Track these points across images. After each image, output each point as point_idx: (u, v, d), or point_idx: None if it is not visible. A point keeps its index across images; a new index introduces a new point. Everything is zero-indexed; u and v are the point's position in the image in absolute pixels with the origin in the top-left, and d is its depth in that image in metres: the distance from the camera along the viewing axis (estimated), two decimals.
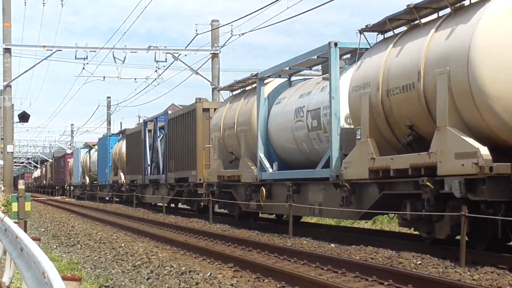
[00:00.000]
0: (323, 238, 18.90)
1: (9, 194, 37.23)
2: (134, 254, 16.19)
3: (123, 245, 18.51)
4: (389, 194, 16.28)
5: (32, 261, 7.67)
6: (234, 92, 27.29)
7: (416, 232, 20.81)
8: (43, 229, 25.95)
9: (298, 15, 31.66)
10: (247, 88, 26.01)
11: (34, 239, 9.88)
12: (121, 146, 49.87)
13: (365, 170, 16.53)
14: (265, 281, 12.52)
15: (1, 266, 12.84)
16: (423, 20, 15.55)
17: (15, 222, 12.89)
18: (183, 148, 32.88)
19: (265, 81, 23.53)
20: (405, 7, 15.57)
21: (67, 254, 17.60)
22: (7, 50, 45.13)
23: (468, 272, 12.12)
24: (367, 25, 17.14)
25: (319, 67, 22.33)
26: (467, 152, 13.36)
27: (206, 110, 31.03)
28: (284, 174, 21.77)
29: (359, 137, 17.00)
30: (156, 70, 47.45)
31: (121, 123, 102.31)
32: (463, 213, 13.10)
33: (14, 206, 20.21)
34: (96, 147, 62.40)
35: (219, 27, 43.64)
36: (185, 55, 46.00)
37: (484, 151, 13.07)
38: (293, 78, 23.50)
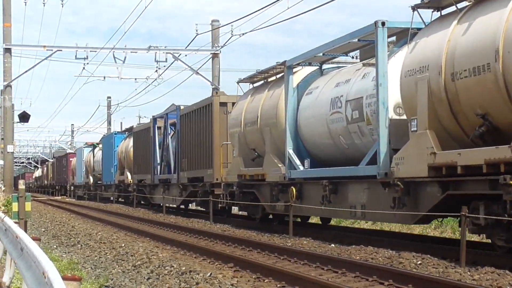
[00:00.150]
0: (323, 238, 18.90)
1: (9, 194, 37.21)
2: (135, 254, 16.20)
3: (123, 245, 18.52)
4: (455, 195, 14.04)
5: (32, 261, 7.67)
6: (256, 84, 25.40)
7: (416, 232, 20.76)
8: (43, 229, 25.96)
9: (298, 15, 31.51)
10: (270, 79, 24.13)
11: (34, 239, 9.88)
12: (128, 144, 47.96)
13: (423, 167, 14.36)
14: (265, 281, 12.52)
15: (1, 266, 12.84)
16: None
17: (15, 222, 12.89)
18: (197, 146, 30.95)
19: (293, 70, 21.46)
20: None
21: (67, 254, 17.60)
22: (7, 50, 45.09)
23: (468, 272, 12.11)
24: (422, 0, 15.05)
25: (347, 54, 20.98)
26: None
27: (223, 104, 29.06)
28: (320, 172, 19.69)
29: (414, 128, 14.82)
30: (156, 70, 47.39)
31: (121, 123, 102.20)
32: (463, 213, 13.09)
33: (15, 206, 20.20)
34: (100, 145, 60.50)
35: (219, 27, 43.60)
36: (186, 55, 45.93)
37: None
38: (324, 66, 21.58)
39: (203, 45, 45.36)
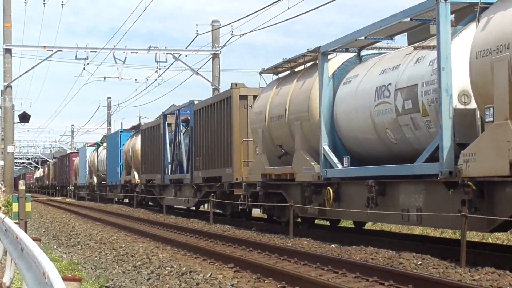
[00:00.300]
0: (323, 239, 18.88)
1: (9, 195, 37.23)
2: (135, 254, 16.19)
3: (123, 245, 18.51)
4: None
5: (33, 261, 7.67)
6: (281, 75, 23.17)
7: (416, 233, 20.73)
8: (43, 230, 25.95)
9: (299, 15, 31.61)
10: (297, 69, 21.96)
11: (34, 239, 9.88)
12: (135, 143, 45.27)
13: (502, 164, 12.22)
14: (265, 281, 12.52)
15: (1, 267, 12.84)
16: None
17: (15, 223, 12.89)
18: (214, 143, 28.55)
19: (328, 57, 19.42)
20: None
21: (68, 254, 17.60)
22: (8, 51, 45.14)
23: (468, 273, 12.11)
24: None
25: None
26: None
27: (243, 97, 26.66)
28: (364, 170, 17.24)
29: (490, 119, 12.67)
30: (156, 71, 47.49)
31: (121, 123, 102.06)
32: (463, 213, 13.09)
33: (15, 207, 20.20)
34: (104, 144, 58.13)
35: (219, 28, 43.64)
36: (186, 56, 46.06)
37: None
38: (363, 53, 19.47)
39: (203, 46, 45.48)
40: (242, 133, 26.32)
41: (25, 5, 48.09)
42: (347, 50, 19.29)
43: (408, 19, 16.11)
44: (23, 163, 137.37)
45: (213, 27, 43.53)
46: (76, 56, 45.62)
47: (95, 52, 45.94)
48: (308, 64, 21.07)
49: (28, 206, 20.13)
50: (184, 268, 13.23)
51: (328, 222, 23.81)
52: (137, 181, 43.79)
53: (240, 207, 25.21)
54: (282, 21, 63.05)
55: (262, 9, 28.54)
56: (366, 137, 17.54)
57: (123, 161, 48.71)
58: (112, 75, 49.60)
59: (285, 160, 21.47)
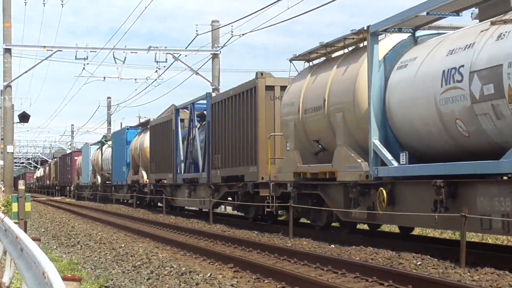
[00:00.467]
0: (323, 239, 18.89)
1: (9, 195, 37.22)
2: (134, 254, 16.19)
3: (123, 245, 18.52)
4: None
5: (32, 261, 7.67)
6: (316, 61, 20.85)
7: (416, 233, 20.69)
8: (43, 230, 25.95)
9: (298, 15, 31.60)
10: (335, 55, 19.77)
11: (34, 239, 9.88)
12: (143, 140, 42.66)
13: None
14: (265, 281, 12.52)
15: (1, 267, 12.84)
16: None
17: (15, 223, 12.89)
18: (235, 139, 25.94)
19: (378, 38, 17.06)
20: None
21: (67, 254, 17.60)
22: (7, 50, 45.12)
23: (468, 273, 12.12)
24: None
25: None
26: None
27: (270, 88, 24.09)
28: (431, 168, 14.62)
29: None
30: (156, 71, 47.44)
31: (121, 123, 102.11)
32: (463, 213, 13.09)
33: (14, 207, 20.21)
34: (109, 142, 55.76)
35: (219, 28, 43.64)
36: (186, 56, 46.01)
37: None
38: (418, 33, 16.91)
39: (203, 46, 45.51)
40: (269, 128, 23.84)
41: (25, 4, 48.11)
42: (400, 30, 16.75)
43: None
44: (22, 163, 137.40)
45: (213, 27, 43.52)
46: (76, 56, 45.60)
47: (95, 52, 45.93)
48: (350, 48, 19.05)
49: (28, 206, 20.14)
50: (183, 268, 13.23)
51: (366, 225, 21.70)
52: (146, 181, 41.47)
53: (267, 209, 22.80)
54: (282, 21, 63.13)
55: (262, 9, 28.54)
56: (428, 129, 14.99)
57: (130, 159, 46.39)
58: (111, 75, 49.57)
59: (323, 157, 19.25)
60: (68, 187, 78.48)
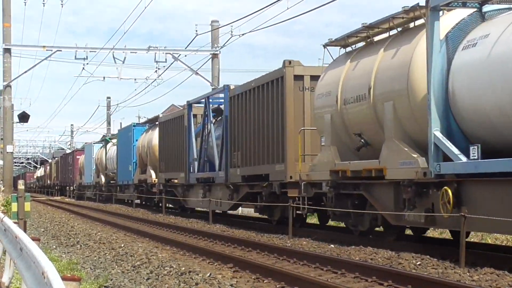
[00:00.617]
0: (322, 239, 18.89)
1: (8, 194, 37.23)
2: (134, 254, 16.19)
3: (122, 245, 18.51)
4: None
5: (32, 261, 7.66)
6: (357, 45, 18.75)
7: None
8: (42, 229, 25.94)
9: (298, 15, 31.58)
10: (378, 38, 17.72)
11: (33, 239, 9.88)
12: (152, 137, 40.43)
13: None
14: (264, 281, 12.52)
15: (0, 266, 12.83)
16: None
17: (14, 222, 12.89)
18: (258, 134, 23.87)
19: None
20: None
21: (67, 254, 17.59)
22: (7, 50, 45.14)
23: (467, 273, 12.13)
24: None
25: None
26: None
27: (299, 77, 21.85)
28: None
29: None
30: (156, 71, 47.46)
31: (121, 123, 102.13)
32: (462, 214, 13.09)
33: (14, 206, 20.21)
34: (113, 140, 53.81)
35: (219, 28, 43.65)
36: (185, 56, 46.03)
37: None
38: (486, 8, 14.58)
39: (202, 46, 45.44)
40: (298, 121, 21.62)
41: (25, 4, 48.12)
42: (464, 5, 14.58)
43: None
44: (22, 163, 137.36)
45: (212, 27, 43.53)
46: (75, 56, 45.62)
47: (95, 52, 45.94)
48: (399, 29, 16.88)
49: (27, 206, 20.14)
50: (183, 268, 13.23)
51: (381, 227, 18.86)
52: (154, 181, 39.31)
53: (297, 211, 20.78)
54: (281, 21, 63.09)
55: (261, 9, 28.54)
56: (507, 120, 12.83)
57: (137, 158, 44.06)
58: (111, 75, 49.58)
59: (365, 153, 17.24)
60: (68, 187, 78.16)
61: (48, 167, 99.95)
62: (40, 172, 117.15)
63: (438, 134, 14.15)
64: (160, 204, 37.97)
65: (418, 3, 15.59)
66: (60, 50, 46.33)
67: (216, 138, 28.80)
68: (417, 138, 15.31)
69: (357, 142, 17.46)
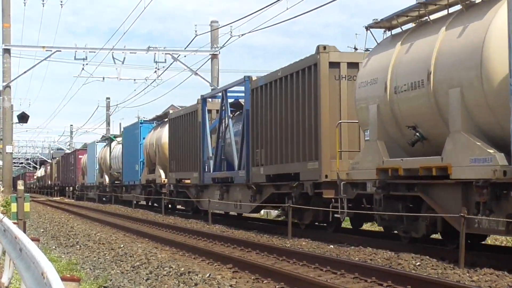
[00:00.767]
0: (322, 239, 18.88)
1: (8, 195, 37.23)
2: (133, 254, 16.19)
3: (122, 245, 18.51)
4: None
5: (31, 261, 7.66)
6: (396, 30, 16.75)
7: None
8: (42, 230, 25.94)
9: (297, 16, 31.60)
10: (433, 17, 15.40)
11: (33, 239, 9.88)
12: (161, 135, 38.16)
13: None
14: (264, 282, 12.52)
15: (0, 267, 12.83)
16: None
17: (14, 223, 12.89)
18: (286, 129, 21.58)
19: None
20: None
21: (66, 254, 17.59)
22: (7, 51, 45.17)
23: (467, 273, 12.13)
24: None
25: None
26: None
27: (334, 65, 19.59)
28: None
29: None
30: (155, 71, 47.49)
31: (120, 123, 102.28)
32: (462, 214, 13.09)
33: (13, 207, 20.21)
34: (118, 139, 51.70)
35: (218, 28, 43.68)
36: (185, 56, 46.09)
37: None
38: None
39: (202, 46, 45.45)
40: (333, 114, 19.47)
41: (24, 5, 48.11)
42: None
43: None
44: (21, 163, 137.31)
45: (212, 27, 43.56)
46: (75, 56, 45.67)
47: (94, 52, 45.97)
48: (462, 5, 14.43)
49: (27, 206, 20.13)
50: (182, 269, 13.23)
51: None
52: (163, 181, 37.13)
53: (336, 215, 18.70)
54: (281, 22, 63.11)
55: (261, 9, 28.54)
56: None
57: (144, 157, 41.62)
58: (111, 75, 49.60)
59: (420, 148, 15.15)
60: (67, 188, 77.89)
61: (49, 167, 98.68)
62: (40, 172, 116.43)
63: None
64: (170, 206, 36.07)
65: None
66: (60, 51, 46.36)
67: (234, 134, 26.54)
68: (490, 130, 13.24)
69: (411, 136, 15.18)
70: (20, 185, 20.73)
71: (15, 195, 21.06)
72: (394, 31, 16.85)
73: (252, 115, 24.39)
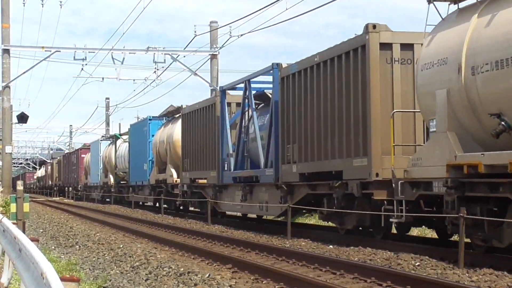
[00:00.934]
0: (321, 240, 18.87)
1: (7, 195, 37.22)
2: (133, 255, 16.19)
3: (121, 246, 18.50)
4: None
5: (31, 262, 7.66)
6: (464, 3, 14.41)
7: (414, 234, 20.60)
8: (41, 230, 25.93)
9: (297, 16, 31.54)
10: None
11: (32, 240, 9.88)
12: (172, 132, 35.72)
13: None
14: (263, 282, 12.51)
15: None
16: None
17: (13, 223, 12.89)
18: (325, 121, 19.05)
19: None
20: None
21: (66, 255, 17.59)
22: (6, 51, 45.18)
23: (466, 274, 12.13)
24: None
25: None
26: None
27: (386, 46, 17.09)
28: None
29: None
30: (155, 71, 47.48)
31: (119, 124, 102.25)
32: (461, 214, 13.08)
33: (13, 207, 20.20)
34: (124, 137, 49.79)
35: (218, 28, 43.69)
36: (184, 56, 46.09)
37: None
38: None
39: (201, 46, 45.44)
40: (385, 103, 17.03)
41: (24, 5, 48.12)
42: None
43: None
44: (21, 163, 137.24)
45: (211, 27, 43.56)
46: (74, 57, 45.67)
47: (93, 52, 45.97)
48: None
49: (26, 207, 20.13)
50: (182, 269, 13.23)
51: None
52: (175, 181, 34.59)
53: (391, 219, 15.84)
54: (280, 22, 63.10)
55: (260, 9, 28.52)
56: None
57: (154, 155, 39.06)
58: (110, 75, 49.57)
59: (508, 140, 12.77)
60: (66, 188, 77.69)
61: (50, 167, 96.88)
62: (40, 172, 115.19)
63: None
64: (181, 207, 34.32)
65: None
66: (59, 51, 46.37)
67: (259, 129, 23.94)
68: None
69: (493, 125, 12.82)
70: (20, 186, 20.73)
71: (14, 195, 21.05)
72: (462, 4, 14.52)
73: (282, 106, 21.88)
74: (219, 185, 27.48)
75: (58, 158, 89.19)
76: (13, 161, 57.27)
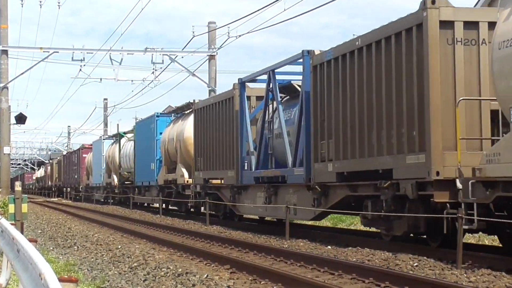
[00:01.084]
0: (320, 240, 18.88)
1: (6, 196, 37.21)
2: (131, 255, 16.19)
3: (119, 246, 18.50)
4: None
5: (29, 262, 7.66)
6: None
7: (412, 234, 20.41)
8: (39, 231, 25.93)
9: (295, 17, 31.59)
10: None
11: (31, 240, 9.87)
12: (183, 129, 33.16)
13: None
14: (261, 282, 12.51)
15: None
16: None
17: (11, 224, 12.89)
18: (370, 112, 16.72)
19: None
20: None
21: (64, 255, 17.59)
22: (4, 52, 45.18)
23: (464, 274, 12.13)
24: None
25: None
26: None
27: (447, 24, 14.66)
28: None
29: None
30: (153, 72, 47.51)
31: (117, 124, 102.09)
32: (460, 214, 13.08)
33: (11, 208, 20.19)
34: (129, 135, 48.00)
35: (216, 29, 43.71)
36: (182, 57, 46.14)
37: None
38: None
39: (199, 47, 45.39)
40: (446, 90, 14.65)
41: (22, 6, 48.06)
42: None
43: None
44: (19, 164, 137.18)
45: (209, 28, 43.59)
46: (72, 58, 45.72)
47: (92, 53, 46.00)
48: None
49: (24, 207, 20.12)
50: (180, 270, 13.23)
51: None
52: (187, 181, 32.26)
53: (465, 226, 13.05)
54: (278, 23, 63.17)
55: (258, 10, 28.56)
56: None
57: (162, 155, 36.68)
58: (108, 76, 49.59)
59: None
60: (64, 189, 77.50)
61: (49, 168, 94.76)
62: (40, 173, 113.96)
63: None
64: (192, 210, 32.29)
65: None
66: (57, 52, 46.39)
67: (286, 124, 21.72)
68: None
69: None
70: (18, 186, 20.72)
71: (12, 196, 21.04)
72: None
73: (314, 98, 19.51)
74: (238, 186, 25.10)
75: (58, 158, 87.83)
76: (11, 162, 57.21)
